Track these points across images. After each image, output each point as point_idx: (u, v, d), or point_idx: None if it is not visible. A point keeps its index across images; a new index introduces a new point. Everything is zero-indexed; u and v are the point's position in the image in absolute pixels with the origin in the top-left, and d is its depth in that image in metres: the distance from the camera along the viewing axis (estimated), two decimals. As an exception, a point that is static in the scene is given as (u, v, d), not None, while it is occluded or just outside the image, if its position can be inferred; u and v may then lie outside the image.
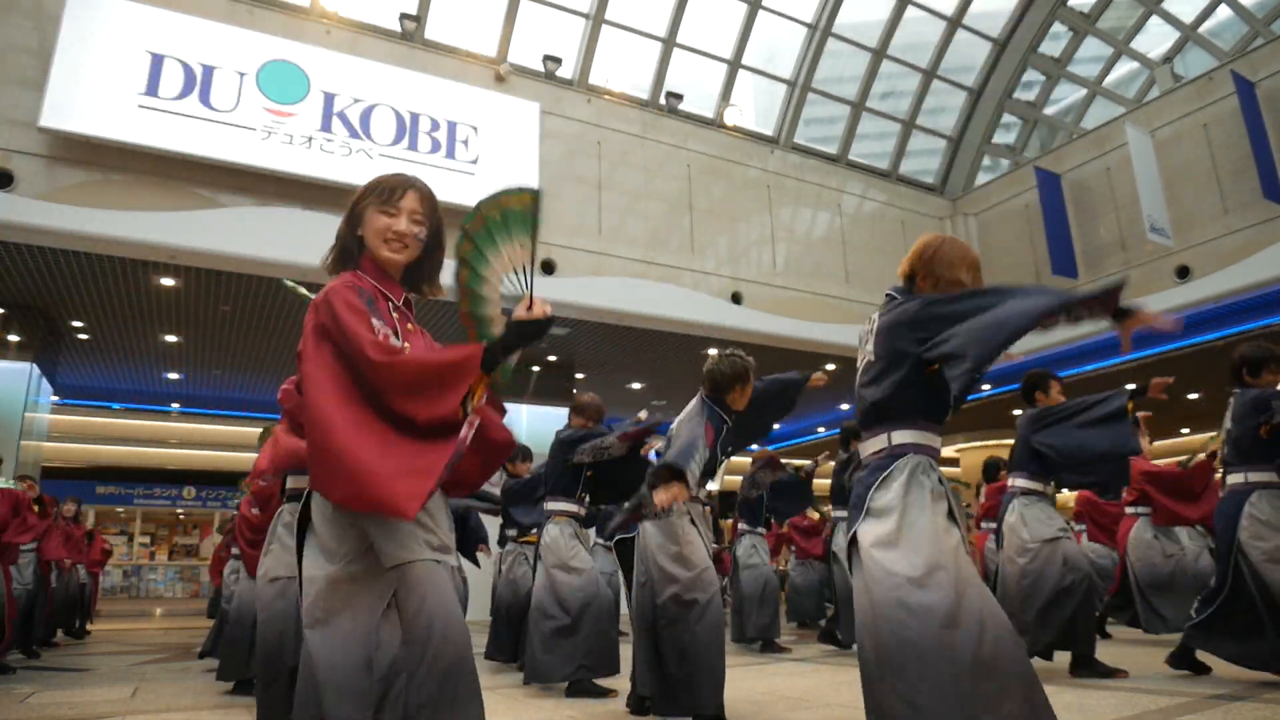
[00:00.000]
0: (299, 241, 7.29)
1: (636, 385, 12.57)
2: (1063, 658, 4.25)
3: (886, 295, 2.17)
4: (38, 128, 6.74)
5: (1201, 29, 11.04)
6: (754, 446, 6.49)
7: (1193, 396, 12.14)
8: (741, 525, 6.34)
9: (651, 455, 3.95)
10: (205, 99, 7.42)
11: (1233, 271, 8.99)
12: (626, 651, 3.47)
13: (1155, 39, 11.63)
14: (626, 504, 2.98)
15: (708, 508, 3.54)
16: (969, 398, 2.02)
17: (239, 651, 4.22)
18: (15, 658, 5.86)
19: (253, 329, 9.35)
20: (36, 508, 5.74)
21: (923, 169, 12.77)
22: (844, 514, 4.68)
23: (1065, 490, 4.59)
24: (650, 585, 3.12)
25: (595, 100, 9.83)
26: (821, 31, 10.87)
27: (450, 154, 8.47)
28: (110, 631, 9.71)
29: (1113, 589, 5.67)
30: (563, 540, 3.98)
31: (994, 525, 5.27)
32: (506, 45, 9.32)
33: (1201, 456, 5.24)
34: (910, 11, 11.17)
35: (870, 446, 2.04)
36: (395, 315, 1.66)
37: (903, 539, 1.88)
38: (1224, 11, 10.95)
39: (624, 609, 4.49)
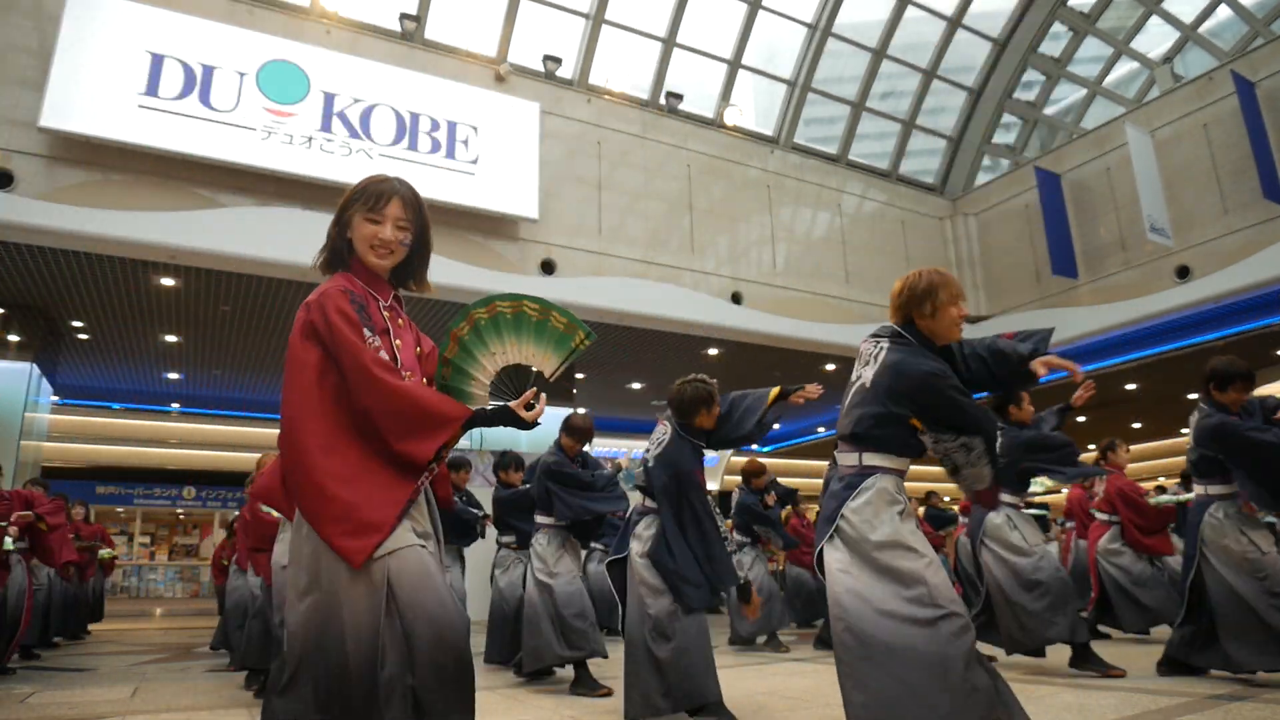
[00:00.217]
0: (299, 241, 7.29)
1: (636, 385, 12.57)
2: (1062, 658, 4.25)
3: (900, 330, 2.24)
4: (38, 128, 6.73)
5: (1201, 29, 11.04)
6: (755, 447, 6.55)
7: (1193, 396, 12.11)
8: (737, 536, 6.39)
9: (621, 478, 4.45)
10: (205, 99, 7.41)
11: (1233, 271, 8.99)
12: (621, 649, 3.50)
13: (1155, 39, 11.63)
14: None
15: None
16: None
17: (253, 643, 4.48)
18: (14, 658, 5.86)
19: (253, 329, 9.36)
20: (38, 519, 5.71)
21: (923, 169, 12.77)
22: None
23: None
24: (640, 601, 3.25)
25: (595, 100, 9.83)
26: (821, 31, 10.87)
27: (450, 154, 8.47)
28: (110, 631, 9.71)
29: (1093, 599, 5.83)
30: (550, 549, 4.37)
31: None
32: (506, 45, 9.32)
33: (1166, 501, 5.56)
34: (910, 11, 11.17)
35: (845, 460, 2.21)
36: (386, 313, 1.74)
37: (870, 556, 2.06)
38: (1224, 11, 10.95)
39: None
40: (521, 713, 3.43)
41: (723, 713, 3.10)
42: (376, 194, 1.73)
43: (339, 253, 1.78)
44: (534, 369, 1.77)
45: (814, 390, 3.29)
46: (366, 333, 1.62)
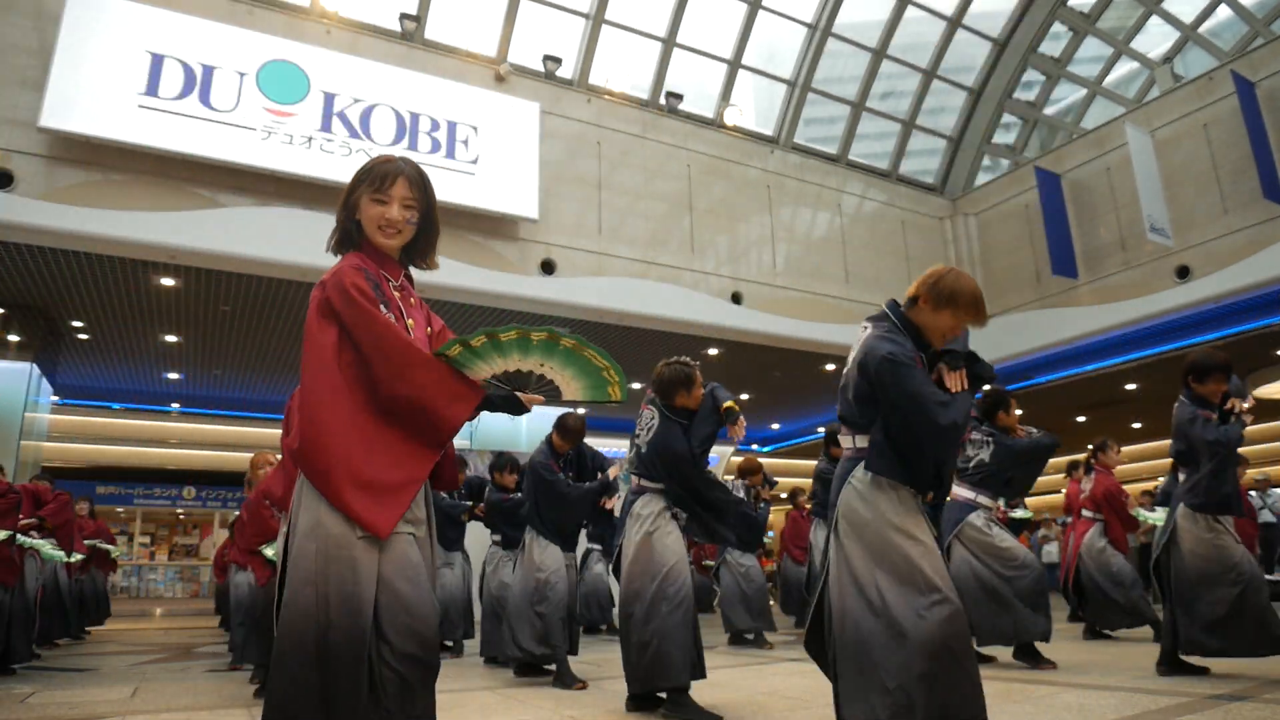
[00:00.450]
0: (299, 241, 7.29)
1: (636, 385, 12.56)
2: (1062, 658, 4.25)
3: (885, 308, 2.25)
4: (38, 128, 6.73)
5: (1201, 29, 11.04)
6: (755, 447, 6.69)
7: (1193, 396, 12.12)
8: None
9: (621, 477, 4.54)
10: (205, 99, 7.41)
11: (1233, 271, 8.99)
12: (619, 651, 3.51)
13: (1155, 39, 11.63)
14: None
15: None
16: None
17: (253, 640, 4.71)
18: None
19: (253, 329, 9.35)
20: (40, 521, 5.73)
21: (923, 169, 12.77)
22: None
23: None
24: (631, 585, 3.37)
25: (595, 100, 9.83)
26: (821, 31, 10.87)
27: (450, 154, 8.47)
28: (110, 631, 9.72)
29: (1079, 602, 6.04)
30: (537, 546, 4.48)
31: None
32: (506, 45, 9.32)
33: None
34: (910, 11, 11.17)
35: (844, 444, 2.22)
36: (398, 293, 1.76)
37: (867, 540, 2.05)
38: (1224, 11, 10.95)
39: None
40: (521, 713, 3.43)
41: (687, 703, 3.14)
42: (382, 175, 1.76)
43: (349, 234, 1.81)
44: (537, 373, 1.74)
45: (738, 432, 3.33)
46: (381, 309, 1.65)
